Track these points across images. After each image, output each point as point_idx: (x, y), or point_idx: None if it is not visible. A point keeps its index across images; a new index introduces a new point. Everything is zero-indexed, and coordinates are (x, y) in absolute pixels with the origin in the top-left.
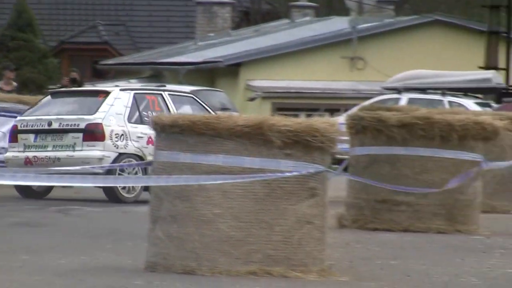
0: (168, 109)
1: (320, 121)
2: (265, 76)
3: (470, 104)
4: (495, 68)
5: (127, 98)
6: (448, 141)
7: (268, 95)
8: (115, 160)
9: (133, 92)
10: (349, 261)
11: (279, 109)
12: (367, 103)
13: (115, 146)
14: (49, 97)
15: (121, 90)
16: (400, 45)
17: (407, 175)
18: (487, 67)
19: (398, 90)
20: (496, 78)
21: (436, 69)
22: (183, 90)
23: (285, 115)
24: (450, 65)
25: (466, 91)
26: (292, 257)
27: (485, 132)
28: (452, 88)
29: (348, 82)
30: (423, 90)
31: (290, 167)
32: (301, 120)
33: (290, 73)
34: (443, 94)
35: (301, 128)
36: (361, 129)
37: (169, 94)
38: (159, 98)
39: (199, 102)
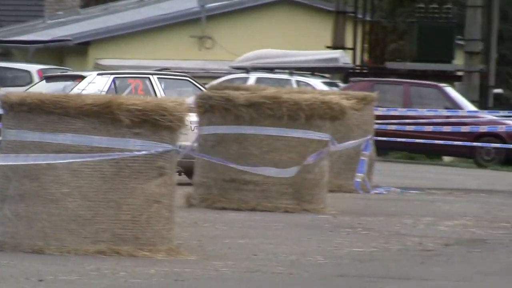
0: (155, 93)
1: (168, 100)
2: (114, 55)
3: (317, 83)
4: (342, 47)
5: (103, 82)
6: (296, 121)
7: None
8: None
9: (112, 76)
10: (197, 240)
11: None
12: (215, 82)
13: None
14: (44, 81)
15: (98, 74)
16: (249, 24)
17: (255, 154)
18: (334, 47)
19: (246, 70)
20: (343, 57)
21: (284, 48)
22: (179, 73)
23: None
24: (298, 44)
25: (314, 71)
26: (140, 236)
27: (332, 111)
28: (299, 67)
29: (197, 61)
30: (271, 69)
31: (138, 146)
32: (150, 99)
33: (139, 52)
34: (291, 74)
35: (149, 107)
36: (209, 108)
37: (158, 78)
38: (146, 82)
39: (196, 86)
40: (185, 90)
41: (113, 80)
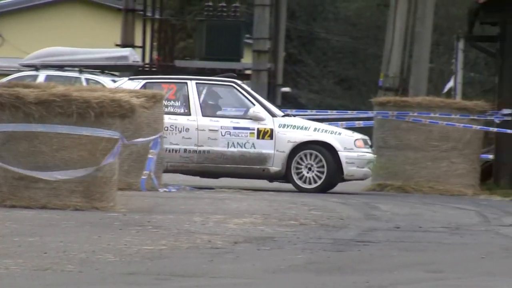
0: (188, 98)
1: None
2: None
3: (107, 81)
4: (132, 46)
5: (131, 87)
6: (86, 118)
7: None
8: None
9: (144, 81)
10: None
11: None
12: (5, 80)
13: None
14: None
15: (129, 79)
16: (39, 22)
17: (45, 152)
18: (124, 45)
19: (36, 67)
20: (132, 56)
21: (75, 46)
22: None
23: None
24: (89, 42)
25: (104, 69)
26: None
27: (121, 109)
28: (89, 65)
29: None
30: (60, 67)
31: None
32: None
33: None
34: (81, 72)
35: None
36: None
37: (197, 83)
38: (183, 87)
39: (240, 92)
40: (228, 97)
41: (144, 85)
